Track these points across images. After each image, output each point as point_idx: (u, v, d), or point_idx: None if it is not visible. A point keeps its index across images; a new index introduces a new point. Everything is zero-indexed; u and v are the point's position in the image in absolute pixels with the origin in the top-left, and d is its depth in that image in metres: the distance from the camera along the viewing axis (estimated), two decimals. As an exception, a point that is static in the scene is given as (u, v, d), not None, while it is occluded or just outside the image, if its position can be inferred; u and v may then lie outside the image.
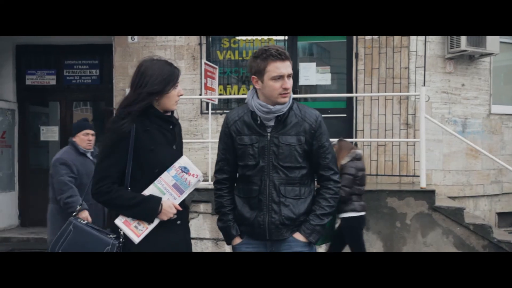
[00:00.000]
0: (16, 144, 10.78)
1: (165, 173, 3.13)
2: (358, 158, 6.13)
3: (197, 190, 7.28)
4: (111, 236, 3.09)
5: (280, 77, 3.22)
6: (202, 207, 7.24)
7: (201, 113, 9.12)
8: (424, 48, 8.60)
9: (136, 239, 3.05)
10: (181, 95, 3.25)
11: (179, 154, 3.27)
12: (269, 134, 3.28)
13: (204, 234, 7.28)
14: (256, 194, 3.29)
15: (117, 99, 9.17)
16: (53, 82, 10.76)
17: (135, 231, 3.07)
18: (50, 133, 10.87)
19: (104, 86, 10.33)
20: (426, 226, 7.01)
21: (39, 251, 8.25)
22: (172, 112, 3.29)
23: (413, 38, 8.52)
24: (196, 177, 3.17)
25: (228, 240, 3.43)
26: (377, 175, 8.49)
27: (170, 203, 3.10)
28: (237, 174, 3.42)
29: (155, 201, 3.07)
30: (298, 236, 3.30)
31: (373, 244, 7.05)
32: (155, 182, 3.11)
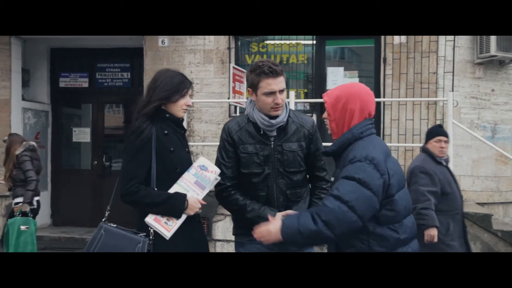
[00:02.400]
0: (50, 145, 11.03)
1: (186, 172, 3.38)
2: (32, 149, 6.97)
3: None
4: (141, 234, 3.28)
5: (272, 93, 3.39)
6: (229, 209, 7.31)
7: (229, 116, 9.19)
8: (453, 53, 8.55)
9: (168, 234, 3.27)
10: (189, 105, 3.49)
11: (190, 157, 3.55)
12: (272, 142, 3.47)
13: (232, 236, 7.34)
14: (263, 200, 3.48)
15: (147, 102, 9.30)
16: (86, 85, 10.98)
17: (165, 226, 3.29)
18: (82, 134, 11.10)
19: (135, 89, 10.50)
20: (452, 232, 6.97)
21: (69, 251, 8.45)
22: (182, 118, 3.54)
23: (441, 43, 8.49)
24: (215, 173, 3.43)
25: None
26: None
27: (195, 198, 3.34)
28: (240, 183, 3.53)
29: (181, 197, 3.30)
30: None
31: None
32: (178, 181, 3.35)
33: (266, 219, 3.33)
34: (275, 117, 3.44)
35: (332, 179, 3.04)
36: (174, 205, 3.28)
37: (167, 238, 3.27)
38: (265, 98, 3.39)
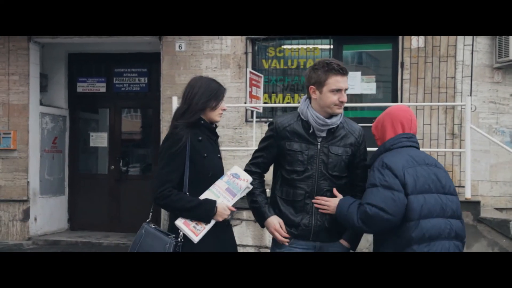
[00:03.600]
0: (67, 150, 11.09)
1: (219, 179, 3.48)
2: None
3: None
4: (171, 236, 3.39)
5: (339, 90, 3.44)
6: (245, 214, 7.30)
7: (246, 121, 9.21)
8: (471, 57, 8.48)
9: (196, 238, 3.36)
10: (225, 109, 3.60)
11: (221, 162, 3.64)
12: (319, 143, 3.49)
13: (247, 241, 7.35)
14: (302, 198, 3.49)
15: (164, 107, 9.36)
16: (103, 90, 11.04)
17: (194, 230, 3.38)
18: (99, 139, 11.15)
19: (152, 94, 10.55)
20: (470, 238, 6.90)
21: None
22: (216, 124, 3.64)
23: (459, 47, 8.43)
24: (246, 182, 3.51)
25: (261, 220, 3.61)
26: (421, 185, 8.39)
27: (224, 205, 3.43)
28: (281, 176, 3.59)
29: (211, 203, 3.40)
30: (344, 242, 3.53)
31: (417, 254, 6.97)
32: (210, 187, 3.46)
33: (260, 217, 3.59)
34: (330, 117, 3.47)
35: None
36: (204, 211, 3.38)
37: (195, 242, 3.36)
38: (331, 95, 3.43)
